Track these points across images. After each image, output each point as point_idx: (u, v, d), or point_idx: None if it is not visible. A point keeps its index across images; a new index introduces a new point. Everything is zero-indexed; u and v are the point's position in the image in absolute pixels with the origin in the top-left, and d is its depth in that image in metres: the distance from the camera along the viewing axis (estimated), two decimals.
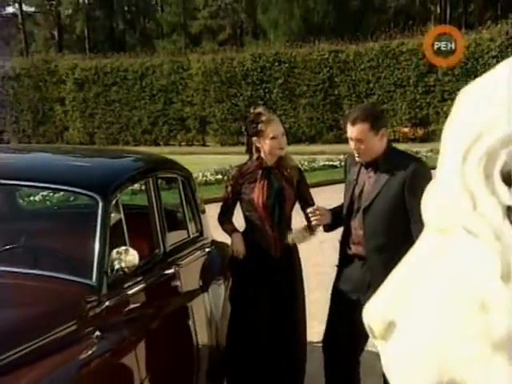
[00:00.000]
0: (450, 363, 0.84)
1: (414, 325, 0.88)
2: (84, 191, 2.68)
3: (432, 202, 0.89)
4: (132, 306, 2.63)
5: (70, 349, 2.15)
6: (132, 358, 2.39)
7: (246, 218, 3.35)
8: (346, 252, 3.04)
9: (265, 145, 3.24)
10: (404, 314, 0.89)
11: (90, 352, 2.19)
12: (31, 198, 6.89)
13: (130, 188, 3.28)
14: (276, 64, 23.45)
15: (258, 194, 3.22)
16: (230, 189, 3.36)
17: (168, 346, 2.85)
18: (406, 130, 21.05)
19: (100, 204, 2.58)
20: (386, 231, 2.89)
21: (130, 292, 2.61)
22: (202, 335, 3.17)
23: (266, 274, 3.27)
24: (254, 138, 3.27)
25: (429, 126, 21.68)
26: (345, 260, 3.08)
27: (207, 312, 3.30)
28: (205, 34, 39.71)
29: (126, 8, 46.54)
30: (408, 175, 2.88)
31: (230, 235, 3.36)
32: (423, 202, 0.91)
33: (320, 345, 4.64)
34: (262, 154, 3.28)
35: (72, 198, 5.22)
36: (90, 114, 26.15)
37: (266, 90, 22.96)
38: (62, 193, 6.39)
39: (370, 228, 2.91)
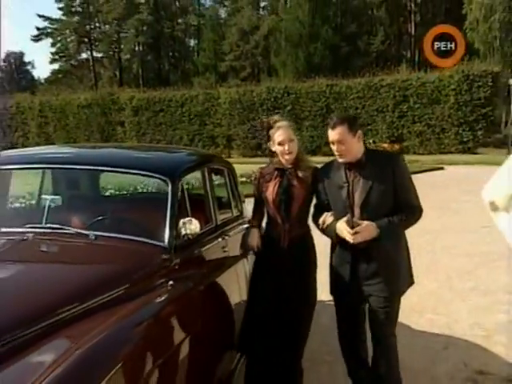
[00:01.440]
0: None
1: None
2: (157, 175, 2.65)
3: None
4: (194, 263, 2.60)
5: (150, 293, 2.12)
6: (195, 302, 2.36)
7: (267, 212, 3.04)
8: (347, 244, 2.67)
9: (276, 149, 2.91)
10: None
11: (164, 297, 2.16)
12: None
13: (188, 179, 3.16)
14: (285, 95, 23.52)
15: (270, 191, 2.90)
16: (254, 188, 3.05)
17: (219, 295, 2.83)
18: (385, 145, 21.21)
19: (169, 185, 2.56)
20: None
21: (193, 253, 2.59)
22: (242, 289, 3.14)
23: (273, 260, 2.93)
24: (269, 143, 2.94)
25: (403, 142, 21.73)
26: (344, 252, 2.74)
27: (246, 273, 3.26)
28: (230, 72, 39.80)
29: (170, 53, 46.99)
30: (393, 167, 2.63)
31: (249, 229, 3.06)
32: None
33: (330, 303, 4.57)
34: (279, 157, 2.93)
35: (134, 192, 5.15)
36: (143, 134, 26.32)
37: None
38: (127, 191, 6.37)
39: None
